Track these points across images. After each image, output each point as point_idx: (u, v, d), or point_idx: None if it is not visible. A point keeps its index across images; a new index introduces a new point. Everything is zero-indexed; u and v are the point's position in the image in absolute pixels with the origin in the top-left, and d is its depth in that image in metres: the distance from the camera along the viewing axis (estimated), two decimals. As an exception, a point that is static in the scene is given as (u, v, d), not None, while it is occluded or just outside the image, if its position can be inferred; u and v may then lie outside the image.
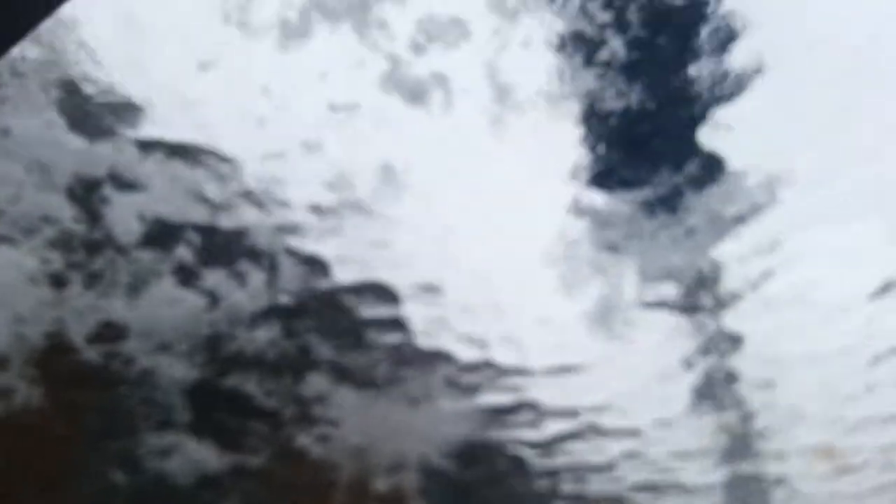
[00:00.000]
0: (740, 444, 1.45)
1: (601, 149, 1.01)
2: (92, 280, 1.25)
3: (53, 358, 1.20)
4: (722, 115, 1.02)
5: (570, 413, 1.42)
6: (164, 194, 1.16)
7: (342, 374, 1.33)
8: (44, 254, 1.29)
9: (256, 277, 1.24)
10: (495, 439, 1.48)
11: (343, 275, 1.22)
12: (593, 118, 1.01)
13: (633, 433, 1.45)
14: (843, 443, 1.35)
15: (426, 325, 1.27)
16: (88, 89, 1.12)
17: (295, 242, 1.19)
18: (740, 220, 1.08)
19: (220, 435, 1.36)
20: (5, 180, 1.24)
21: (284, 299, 1.23)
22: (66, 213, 1.26)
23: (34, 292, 1.18)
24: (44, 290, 1.19)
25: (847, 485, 1.47)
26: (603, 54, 1.02)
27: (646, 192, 1.04)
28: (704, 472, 1.50)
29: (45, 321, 1.18)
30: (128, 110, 1.15)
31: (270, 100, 1.10)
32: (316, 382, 1.32)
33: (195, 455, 1.43)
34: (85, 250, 1.27)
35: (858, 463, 1.36)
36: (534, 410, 1.43)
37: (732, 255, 1.09)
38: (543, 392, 1.39)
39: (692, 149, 1.01)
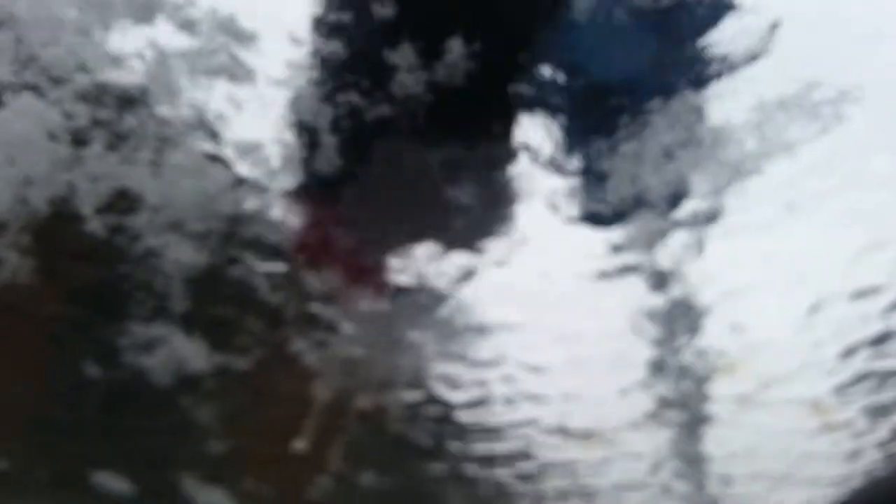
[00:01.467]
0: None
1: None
2: (116, 141, 1.24)
3: (54, 227, 1.16)
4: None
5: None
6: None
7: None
8: (71, 107, 1.26)
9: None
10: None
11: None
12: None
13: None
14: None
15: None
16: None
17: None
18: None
19: (211, 331, 1.32)
20: (45, 22, 1.24)
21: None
22: (106, 62, 1.25)
23: (50, 150, 1.16)
24: (61, 148, 1.17)
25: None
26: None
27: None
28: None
29: (54, 184, 1.15)
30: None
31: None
32: (329, 280, 1.31)
33: (181, 351, 1.38)
34: (117, 106, 1.26)
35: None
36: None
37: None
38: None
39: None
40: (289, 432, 1.79)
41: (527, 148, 1.13)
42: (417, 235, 1.17)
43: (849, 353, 1.33)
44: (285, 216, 1.10)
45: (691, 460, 1.83)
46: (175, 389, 1.56)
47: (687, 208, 1.07)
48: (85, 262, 1.19)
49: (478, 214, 1.18)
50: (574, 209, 1.10)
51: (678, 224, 1.08)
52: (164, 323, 1.31)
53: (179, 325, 1.30)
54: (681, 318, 1.31)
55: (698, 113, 1.02)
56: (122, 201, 1.08)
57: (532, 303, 1.28)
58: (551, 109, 1.11)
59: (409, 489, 1.92)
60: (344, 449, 1.81)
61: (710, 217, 1.09)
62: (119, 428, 1.79)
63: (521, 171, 1.13)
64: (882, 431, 1.72)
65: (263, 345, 1.38)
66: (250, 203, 1.08)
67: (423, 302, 1.27)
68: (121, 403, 1.68)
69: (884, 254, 1.13)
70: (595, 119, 1.06)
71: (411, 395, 1.54)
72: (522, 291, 1.26)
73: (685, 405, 1.60)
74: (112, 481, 1.91)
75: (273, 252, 1.16)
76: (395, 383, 1.48)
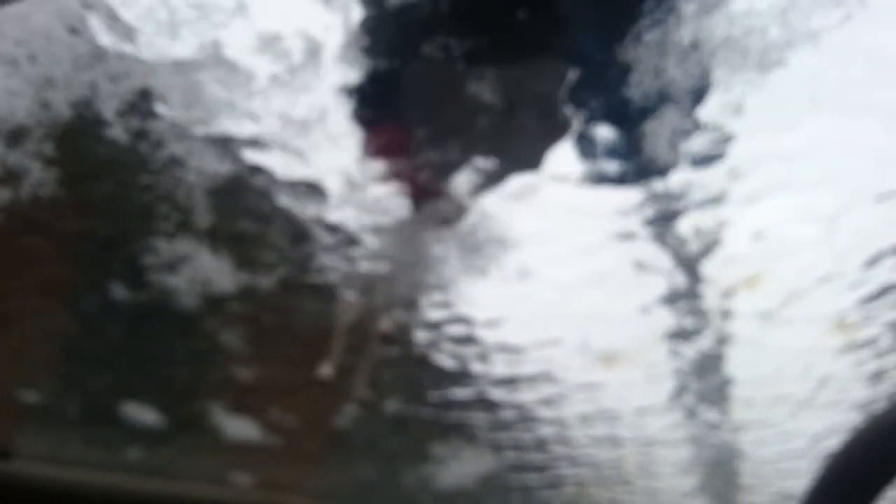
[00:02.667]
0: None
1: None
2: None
3: (75, 133, 1.14)
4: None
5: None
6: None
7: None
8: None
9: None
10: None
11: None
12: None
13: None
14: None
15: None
16: None
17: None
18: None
19: (236, 247, 1.33)
20: None
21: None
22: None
23: (73, 45, 1.13)
24: (84, 42, 1.13)
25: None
26: None
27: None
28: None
29: (77, 85, 1.13)
30: None
31: None
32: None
33: (206, 270, 1.38)
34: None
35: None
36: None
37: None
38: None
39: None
40: (314, 358, 1.81)
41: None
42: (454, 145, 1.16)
43: (873, 262, 1.32)
44: (308, 115, 1.09)
45: (714, 383, 1.84)
46: (201, 312, 1.58)
47: (711, 105, 1.05)
48: (107, 173, 1.19)
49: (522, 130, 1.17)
50: (597, 109, 1.08)
51: (701, 123, 1.07)
52: (188, 239, 1.31)
53: (204, 240, 1.31)
54: (701, 232, 1.30)
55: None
56: (144, 102, 1.08)
57: (553, 215, 1.28)
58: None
59: (433, 416, 1.94)
60: (368, 375, 1.83)
61: (734, 113, 1.07)
62: (146, 357, 1.81)
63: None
64: (906, 351, 1.71)
65: (288, 262, 1.39)
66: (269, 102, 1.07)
67: (446, 213, 1.27)
68: (148, 328, 1.70)
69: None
70: (617, 8, 1.04)
71: (434, 314, 1.55)
72: (545, 203, 1.25)
73: (707, 323, 1.60)
74: (140, 412, 1.94)
75: (296, 158, 1.16)
76: (418, 300, 1.49)
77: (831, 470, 0.81)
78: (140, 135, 1.08)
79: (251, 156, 1.11)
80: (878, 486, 0.77)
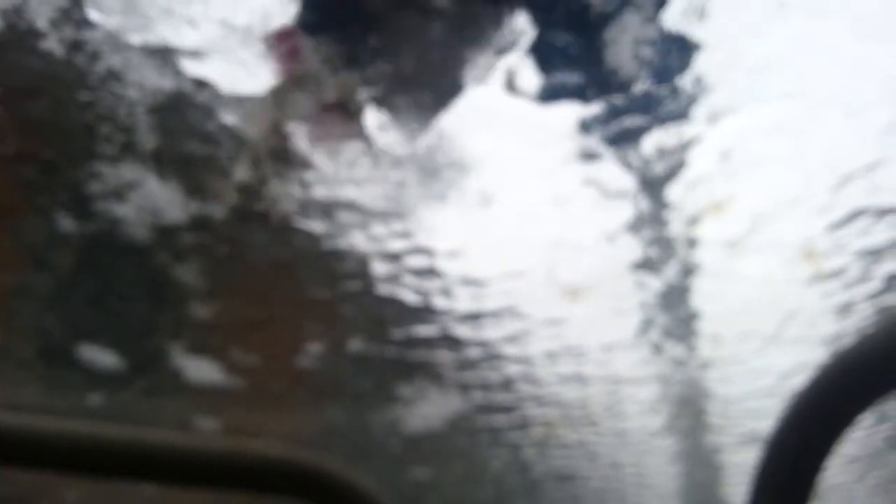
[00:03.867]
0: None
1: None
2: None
3: (7, 45, 1.07)
4: None
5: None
6: None
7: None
8: None
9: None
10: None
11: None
12: None
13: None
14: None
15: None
16: None
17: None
18: None
19: (186, 170, 1.27)
20: None
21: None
22: None
23: None
24: None
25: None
26: None
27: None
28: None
29: None
30: None
31: None
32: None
33: (154, 198, 1.33)
34: None
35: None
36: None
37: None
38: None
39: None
40: (272, 295, 1.76)
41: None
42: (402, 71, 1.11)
43: (842, 183, 1.28)
44: (251, 21, 1.03)
45: (680, 317, 1.81)
46: (153, 244, 1.52)
47: (673, 10, 1.00)
48: (43, 89, 1.13)
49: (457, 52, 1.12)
50: (553, 15, 1.03)
51: (665, 31, 1.02)
52: (133, 162, 1.25)
53: (150, 164, 1.25)
54: (666, 151, 1.26)
55: None
56: (77, 9, 1.01)
57: (511, 134, 1.23)
58: None
59: (398, 354, 1.90)
60: (330, 312, 1.79)
61: (698, 18, 1.02)
62: (101, 294, 1.76)
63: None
64: (875, 281, 1.69)
65: (239, 189, 1.33)
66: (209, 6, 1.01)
67: (402, 137, 1.21)
68: (99, 263, 1.64)
69: (882, 63, 1.07)
70: None
71: (394, 245, 1.50)
72: (501, 121, 1.20)
73: (672, 252, 1.56)
74: (98, 354, 1.89)
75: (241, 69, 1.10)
76: (377, 229, 1.44)
77: (796, 410, 0.78)
78: (75, 46, 1.02)
79: (193, 67, 1.05)
80: (842, 426, 0.75)
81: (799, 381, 0.75)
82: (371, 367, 1.91)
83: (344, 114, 1.23)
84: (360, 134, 1.23)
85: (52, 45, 1.06)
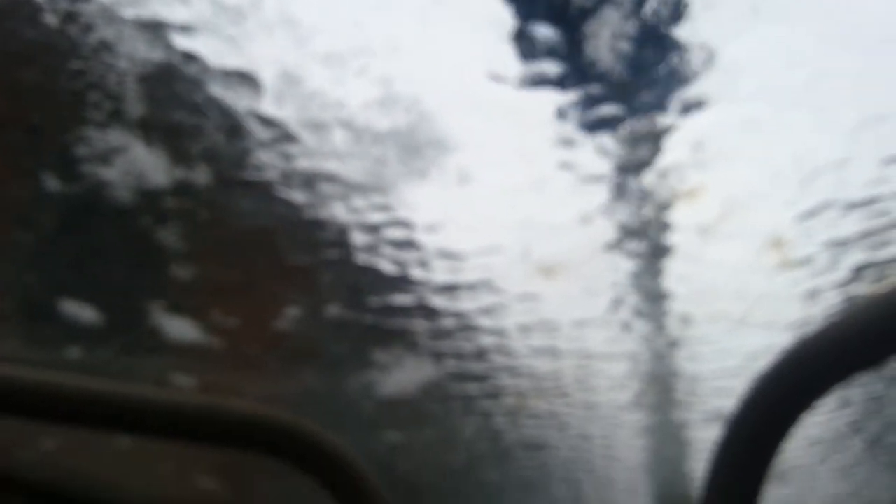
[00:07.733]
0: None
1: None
2: None
3: (5, 15, 1.09)
4: None
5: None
6: None
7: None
8: None
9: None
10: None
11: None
12: None
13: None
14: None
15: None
16: None
17: None
18: None
19: (171, 138, 1.29)
20: None
21: None
22: None
23: None
24: None
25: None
26: None
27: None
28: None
29: None
30: None
31: None
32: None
33: (139, 163, 1.35)
34: None
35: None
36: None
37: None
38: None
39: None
40: (253, 259, 1.79)
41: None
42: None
43: (810, 178, 1.32)
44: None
45: (651, 296, 1.86)
46: (136, 207, 1.55)
47: (652, 4, 1.03)
48: (37, 57, 1.15)
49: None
50: (536, 6, 1.06)
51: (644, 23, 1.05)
52: (120, 129, 1.28)
53: (136, 131, 1.28)
54: (642, 138, 1.30)
55: None
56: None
57: (492, 118, 1.26)
58: None
59: (374, 322, 1.94)
60: (309, 279, 1.83)
61: (676, 14, 1.06)
62: (83, 254, 1.78)
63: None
64: (841, 271, 1.74)
65: (223, 157, 1.36)
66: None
67: (384, 112, 1.24)
68: (82, 223, 1.67)
69: (849, 66, 1.11)
70: None
71: (374, 216, 1.54)
72: (483, 105, 1.24)
73: (645, 234, 1.61)
74: (79, 310, 1.92)
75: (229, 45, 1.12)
76: (358, 201, 1.47)
77: (757, 392, 0.82)
78: (70, 17, 1.04)
79: (182, 42, 1.07)
80: (800, 408, 0.79)
81: (764, 363, 0.79)
82: (348, 332, 1.95)
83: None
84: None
85: (48, 16, 1.08)
